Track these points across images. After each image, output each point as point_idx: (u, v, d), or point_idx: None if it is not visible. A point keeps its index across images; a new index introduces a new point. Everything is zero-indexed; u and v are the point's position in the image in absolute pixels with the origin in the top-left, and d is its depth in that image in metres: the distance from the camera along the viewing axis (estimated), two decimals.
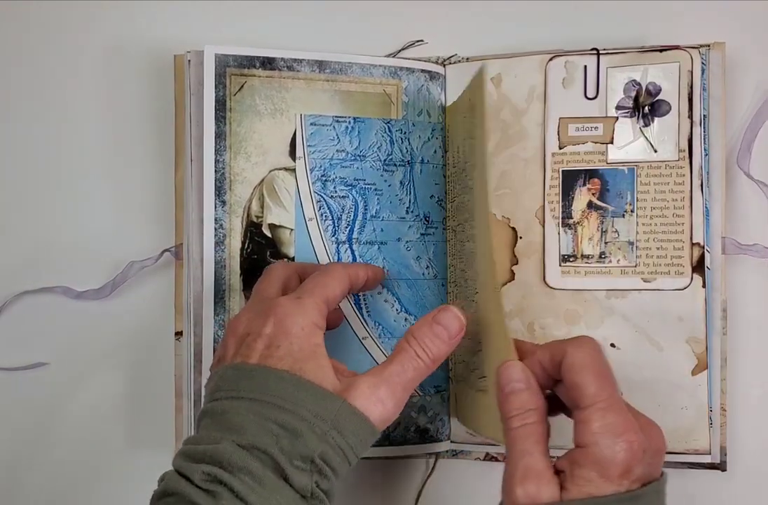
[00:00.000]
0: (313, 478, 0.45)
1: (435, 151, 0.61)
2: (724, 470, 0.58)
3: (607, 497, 0.43)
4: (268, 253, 0.59)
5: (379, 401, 0.47)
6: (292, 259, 0.59)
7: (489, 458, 0.62)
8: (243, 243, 0.58)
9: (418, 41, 0.63)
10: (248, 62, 0.58)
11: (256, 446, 0.44)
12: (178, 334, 0.61)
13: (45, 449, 0.65)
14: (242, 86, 0.58)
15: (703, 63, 0.58)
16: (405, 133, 0.60)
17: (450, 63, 0.62)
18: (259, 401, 0.46)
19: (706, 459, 0.58)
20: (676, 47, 0.58)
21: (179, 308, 0.61)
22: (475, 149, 0.55)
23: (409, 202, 0.60)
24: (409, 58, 0.62)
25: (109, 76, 0.65)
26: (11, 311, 0.64)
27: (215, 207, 0.58)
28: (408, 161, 0.60)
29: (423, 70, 0.61)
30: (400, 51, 0.63)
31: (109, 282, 0.63)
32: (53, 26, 0.65)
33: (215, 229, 0.58)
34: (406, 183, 0.60)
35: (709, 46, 0.58)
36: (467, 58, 0.62)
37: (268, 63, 0.58)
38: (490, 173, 0.53)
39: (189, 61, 0.58)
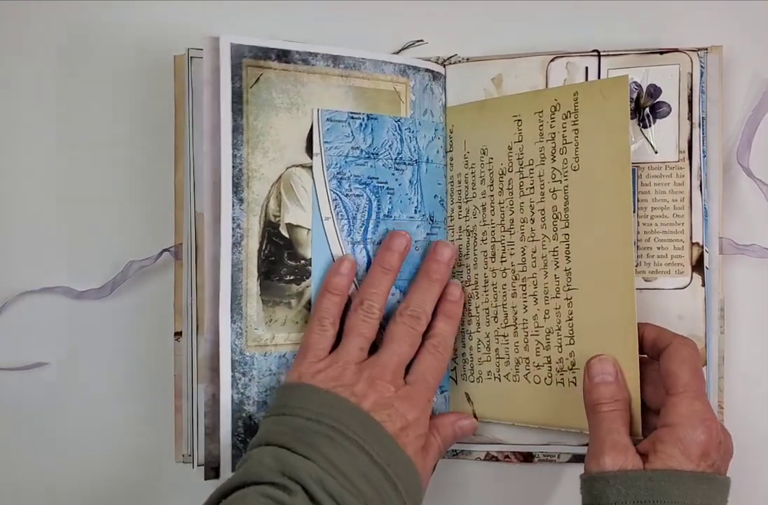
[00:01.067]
0: None
1: (437, 151, 0.61)
2: None
3: (686, 472, 0.48)
4: (286, 254, 0.56)
5: None
6: (309, 260, 0.57)
7: (489, 458, 0.62)
8: (261, 244, 0.55)
9: (418, 41, 0.63)
10: (264, 54, 0.55)
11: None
12: (178, 334, 0.61)
13: (44, 449, 0.64)
14: (258, 79, 0.55)
15: (701, 66, 0.58)
16: (413, 131, 0.60)
17: (450, 63, 0.62)
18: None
19: None
20: (676, 50, 0.58)
21: (179, 308, 0.61)
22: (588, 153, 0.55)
23: (417, 201, 0.60)
24: (416, 57, 0.61)
25: (109, 76, 0.65)
26: (11, 311, 0.64)
27: (233, 205, 0.54)
28: (416, 160, 0.60)
29: (427, 70, 0.61)
30: (400, 51, 0.63)
31: (108, 282, 0.63)
32: (53, 26, 0.65)
33: (233, 229, 0.54)
34: (414, 182, 0.59)
35: (707, 49, 0.58)
36: (467, 58, 0.62)
37: (283, 55, 0.56)
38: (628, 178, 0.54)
39: (190, 56, 0.56)
